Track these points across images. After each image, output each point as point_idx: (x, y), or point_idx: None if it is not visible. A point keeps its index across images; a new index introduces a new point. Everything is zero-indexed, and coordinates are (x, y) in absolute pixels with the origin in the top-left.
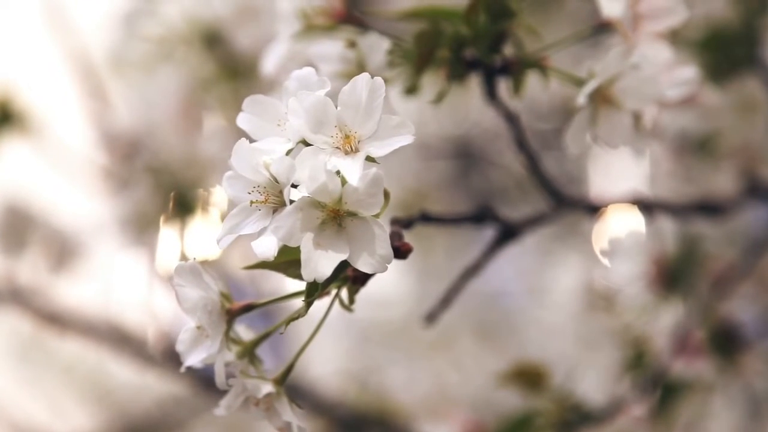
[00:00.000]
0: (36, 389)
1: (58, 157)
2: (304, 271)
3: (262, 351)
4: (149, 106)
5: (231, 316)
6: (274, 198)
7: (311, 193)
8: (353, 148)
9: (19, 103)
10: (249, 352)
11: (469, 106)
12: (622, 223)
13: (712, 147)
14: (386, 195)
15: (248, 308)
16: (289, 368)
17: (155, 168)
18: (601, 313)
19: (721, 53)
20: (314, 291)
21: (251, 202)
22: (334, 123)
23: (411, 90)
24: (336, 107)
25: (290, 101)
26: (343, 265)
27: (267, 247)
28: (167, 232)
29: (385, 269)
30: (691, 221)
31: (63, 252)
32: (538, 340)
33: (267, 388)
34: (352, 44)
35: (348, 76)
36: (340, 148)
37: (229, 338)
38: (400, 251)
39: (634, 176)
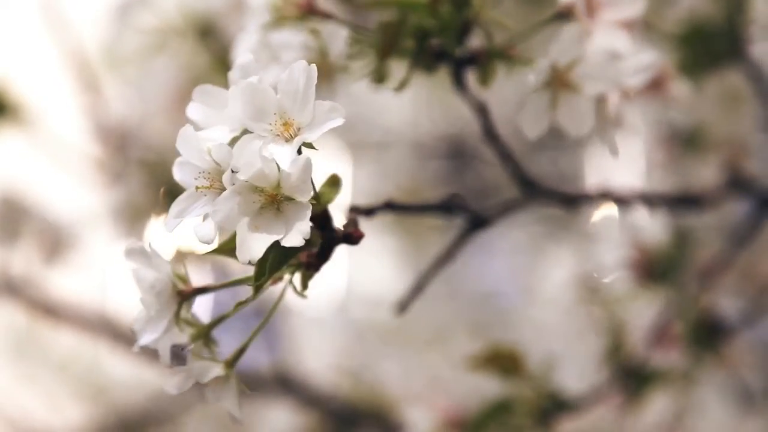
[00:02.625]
0: (30, 384)
1: (51, 148)
2: (238, 253)
3: (254, 345)
4: (143, 97)
5: (183, 297)
6: (219, 184)
7: (248, 179)
8: (292, 135)
9: (13, 94)
10: (203, 335)
11: (461, 106)
12: (602, 214)
13: (698, 140)
14: (337, 182)
15: (201, 291)
16: (241, 351)
17: (149, 160)
18: (591, 305)
19: (702, 47)
20: (261, 275)
21: (197, 188)
22: (274, 110)
23: (378, 78)
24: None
25: (231, 90)
26: (291, 250)
27: (206, 231)
28: (160, 224)
29: (302, 242)
30: (677, 213)
31: (56, 244)
32: (530, 338)
33: (215, 370)
34: (314, 33)
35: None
36: (279, 135)
37: (179, 320)
38: (352, 237)
39: (629, 172)
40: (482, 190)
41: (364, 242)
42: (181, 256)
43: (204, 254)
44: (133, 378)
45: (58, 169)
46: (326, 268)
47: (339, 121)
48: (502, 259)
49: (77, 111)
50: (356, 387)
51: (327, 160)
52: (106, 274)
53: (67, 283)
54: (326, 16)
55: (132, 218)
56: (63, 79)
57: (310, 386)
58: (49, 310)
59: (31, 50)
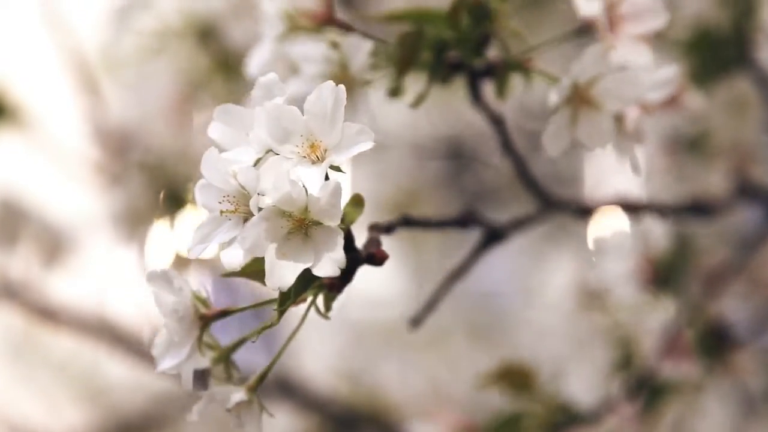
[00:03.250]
0: (29, 387)
1: (50, 151)
2: (268, 281)
3: (252, 348)
4: (142, 100)
5: (205, 321)
6: (245, 208)
7: (276, 203)
8: (319, 157)
9: (12, 97)
10: (224, 358)
11: (461, 107)
12: (611, 223)
13: (704, 147)
14: (360, 202)
15: (223, 314)
16: (263, 375)
17: (148, 163)
18: (593, 312)
19: (710, 54)
20: (286, 299)
21: (221, 212)
22: (301, 132)
23: (395, 92)
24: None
25: (256, 110)
26: (315, 275)
27: (234, 257)
28: (160, 228)
29: (337, 272)
30: (683, 221)
31: (55, 247)
32: (530, 341)
33: (238, 395)
34: (334, 45)
35: (331, 77)
36: (306, 158)
37: (202, 344)
38: (375, 258)
39: (628, 177)
40: (482, 192)
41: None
42: (180, 262)
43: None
44: (131, 381)
45: (57, 172)
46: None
47: (368, 145)
48: (502, 261)
49: (76, 114)
50: (355, 390)
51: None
52: (105, 278)
53: (66, 286)
54: (345, 27)
55: (131, 221)
56: (62, 81)
57: (310, 389)
58: (48, 314)
59: (30, 53)
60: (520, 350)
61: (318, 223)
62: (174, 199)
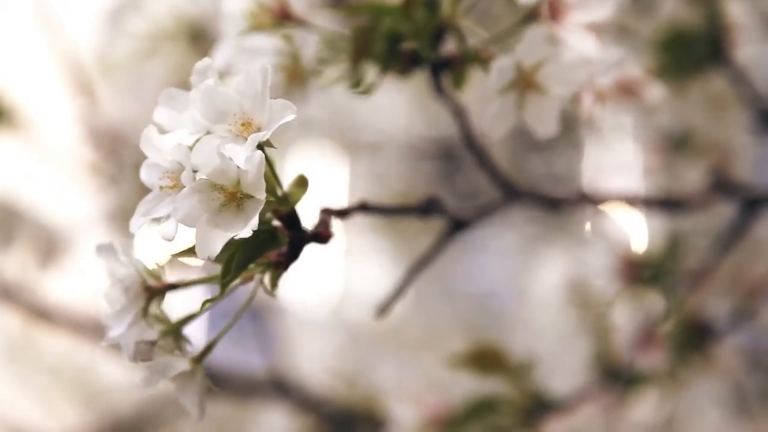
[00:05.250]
0: (25, 388)
1: (45, 153)
2: (197, 250)
3: (249, 348)
4: (136, 101)
5: (151, 293)
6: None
7: (207, 176)
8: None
9: (7, 99)
10: (173, 331)
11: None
12: (595, 218)
13: (687, 144)
14: (304, 183)
15: (171, 287)
16: (209, 348)
17: (142, 164)
18: (581, 307)
19: (683, 52)
20: (227, 274)
21: (161, 188)
22: (234, 111)
23: (353, 84)
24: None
25: (191, 93)
26: (257, 249)
27: (168, 229)
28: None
29: (249, 234)
30: (664, 217)
31: (50, 248)
32: (524, 340)
33: (181, 365)
34: (287, 38)
35: (283, 69)
36: (239, 136)
37: (147, 315)
38: (321, 236)
39: (625, 174)
40: (475, 192)
41: (359, 245)
42: (175, 261)
43: (174, 256)
44: (127, 382)
45: (51, 174)
46: (321, 271)
47: (290, 117)
48: (494, 260)
49: (71, 115)
50: (351, 390)
51: (324, 163)
52: (100, 278)
53: (61, 287)
54: (300, 22)
55: (126, 222)
56: (56, 83)
57: (305, 389)
58: (44, 314)
59: (24, 55)
60: (516, 350)
61: (250, 197)
62: None
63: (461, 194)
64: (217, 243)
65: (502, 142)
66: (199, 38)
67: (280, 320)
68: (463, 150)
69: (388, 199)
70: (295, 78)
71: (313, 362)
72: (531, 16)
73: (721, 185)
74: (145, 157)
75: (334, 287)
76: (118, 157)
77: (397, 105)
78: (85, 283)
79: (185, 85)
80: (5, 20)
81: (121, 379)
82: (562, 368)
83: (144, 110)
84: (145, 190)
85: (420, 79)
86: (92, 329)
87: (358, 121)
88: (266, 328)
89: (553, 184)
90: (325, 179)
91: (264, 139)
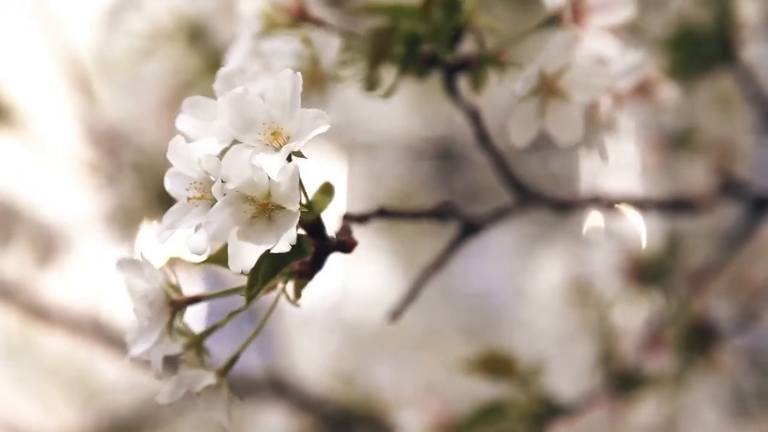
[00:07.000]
0: (23, 387)
1: (43, 152)
2: (230, 263)
3: (247, 349)
4: (134, 101)
5: (175, 307)
6: (211, 195)
7: (238, 188)
8: (281, 144)
9: (5, 98)
10: (196, 344)
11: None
12: (597, 219)
13: (690, 143)
14: (330, 190)
15: (194, 300)
16: (233, 360)
17: (140, 163)
18: (582, 308)
19: (692, 51)
20: (254, 285)
21: (188, 199)
22: (263, 120)
23: (370, 86)
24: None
25: (218, 101)
26: (283, 259)
27: (198, 243)
28: (151, 230)
29: (287, 248)
30: (669, 218)
31: (49, 247)
32: (522, 340)
33: (207, 379)
34: (306, 41)
35: (302, 72)
36: (269, 145)
37: (172, 330)
38: (345, 245)
39: (623, 175)
40: (473, 192)
41: (358, 245)
42: (173, 264)
43: (196, 263)
44: (126, 381)
45: (50, 173)
46: (320, 272)
47: (324, 128)
48: (493, 261)
49: (69, 114)
50: (349, 390)
51: (322, 164)
52: (99, 278)
53: (59, 286)
54: (318, 23)
55: (124, 221)
56: (55, 82)
57: (304, 389)
58: (42, 314)
59: (23, 54)
60: (513, 350)
61: (281, 208)
62: (166, 199)
63: (459, 194)
64: (250, 256)
65: (498, 141)
66: (198, 37)
67: (278, 320)
68: (461, 150)
69: (387, 199)
70: (314, 82)
71: (312, 362)
72: (553, 20)
73: (727, 186)
74: (144, 156)
75: (332, 287)
76: (116, 156)
77: (395, 105)
78: (83, 282)
79: (184, 85)
80: (4, 19)
81: (119, 378)
82: (561, 368)
83: (143, 110)
84: (143, 190)
85: (420, 80)
86: (90, 329)
87: (356, 122)
88: (265, 327)
89: (551, 184)
90: (323, 179)
91: (297, 150)
